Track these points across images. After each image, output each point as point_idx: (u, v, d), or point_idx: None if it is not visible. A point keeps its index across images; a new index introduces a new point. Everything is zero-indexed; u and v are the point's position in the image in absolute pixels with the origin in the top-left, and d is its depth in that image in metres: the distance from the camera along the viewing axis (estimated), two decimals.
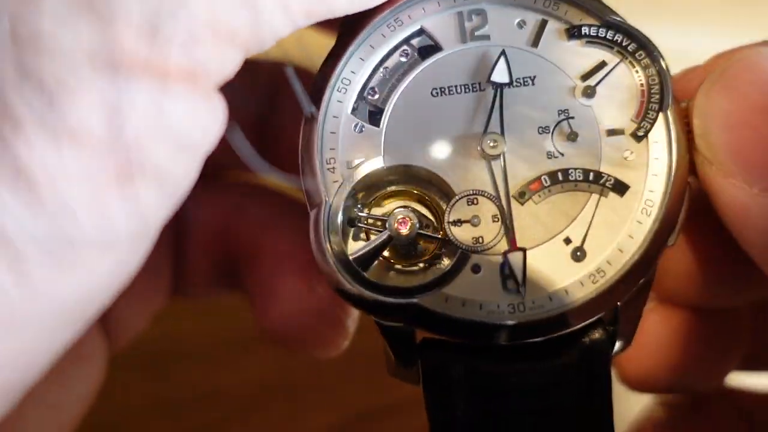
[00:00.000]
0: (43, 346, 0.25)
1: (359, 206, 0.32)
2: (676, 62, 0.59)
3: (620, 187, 0.32)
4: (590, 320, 0.31)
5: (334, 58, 0.33)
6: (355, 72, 0.33)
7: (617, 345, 0.33)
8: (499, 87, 0.32)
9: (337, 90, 0.33)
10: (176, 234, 0.41)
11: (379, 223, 0.32)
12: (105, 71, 0.23)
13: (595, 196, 0.32)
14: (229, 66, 0.26)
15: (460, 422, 0.32)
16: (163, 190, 0.25)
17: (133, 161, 0.24)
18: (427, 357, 0.32)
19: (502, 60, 0.32)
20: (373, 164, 0.32)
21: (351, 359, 0.41)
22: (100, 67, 0.23)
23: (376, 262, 0.31)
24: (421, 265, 0.32)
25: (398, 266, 0.32)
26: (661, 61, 0.32)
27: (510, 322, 0.31)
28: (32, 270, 0.23)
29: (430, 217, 0.32)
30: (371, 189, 0.32)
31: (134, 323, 0.44)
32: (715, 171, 0.31)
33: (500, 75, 0.32)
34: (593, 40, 0.33)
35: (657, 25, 0.62)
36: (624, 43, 0.33)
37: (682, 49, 0.61)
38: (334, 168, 0.32)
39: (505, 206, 0.32)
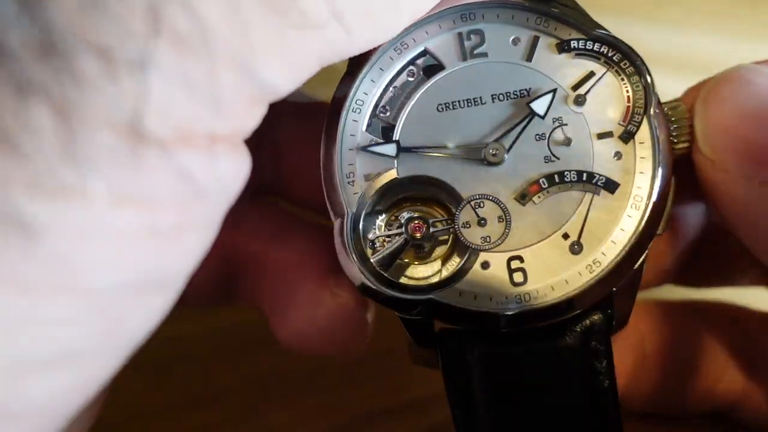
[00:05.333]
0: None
1: (378, 215, 0.36)
2: (678, 63, 0.60)
3: (611, 186, 0.35)
4: (589, 305, 0.35)
5: (347, 81, 0.36)
6: (367, 93, 0.36)
7: (614, 324, 0.36)
8: (531, 115, 0.36)
9: (352, 111, 0.36)
10: None
11: (395, 231, 0.36)
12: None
13: (588, 195, 0.36)
14: (256, 122, 0.29)
15: (478, 401, 0.35)
16: (200, 240, 0.28)
17: (189, 219, 0.27)
18: (445, 344, 0.36)
19: (549, 96, 0.36)
20: (388, 176, 0.36)
21: (351, 362, 0.43)
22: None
23: (395, 263, 0.35)
24: (436, 263, 0.36)
25: (415, 264, 0.36)
26: (644, 68, 0.36)
27: (518, 311, 0.35)
28: None
29: (442, 218, 0.36)
30: (388, 197, 0.36)
31: None
32: (717, 169, 0.34)
33: (540, 107, 0.36)
34: (581, 53, 0.36)
35: (657, 25, 0.62)
36: (609, 54, 0.36)
37: (684, 50, 0.61)
38: (353, 181, 0.36)
39: (508, 207, 0.35)
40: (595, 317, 0.36)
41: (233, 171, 0.28)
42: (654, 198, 0.35)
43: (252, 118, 0.28)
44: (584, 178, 0.36)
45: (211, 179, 0.27)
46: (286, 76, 0.28)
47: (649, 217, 0.35)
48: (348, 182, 0.36)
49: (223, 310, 0.48)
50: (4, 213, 0.24)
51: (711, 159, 0.35)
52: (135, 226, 0.25)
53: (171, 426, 0.51)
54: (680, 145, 0.36)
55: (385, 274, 0.35)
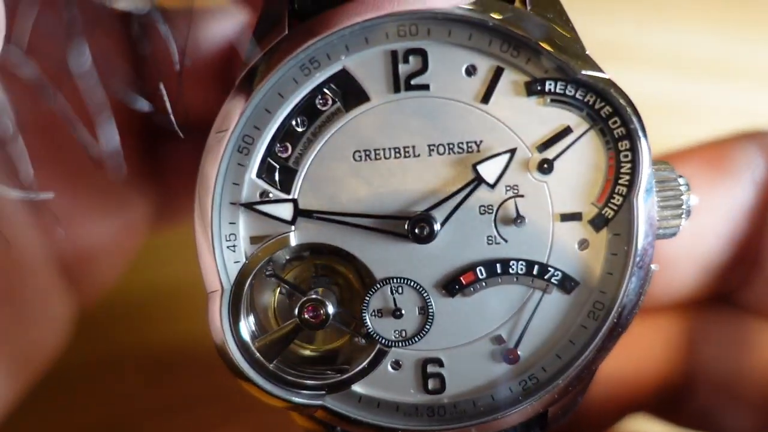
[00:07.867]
0: None
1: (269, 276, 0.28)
2: (667, 63, 0.56)
3: (568, 284, 0.27)
4: (517, 425, 0.28)
5: (234, 107, 0.26)
6: (260, 127, 0.27)
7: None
8: (477, 180, 0.27)
9: (238, 150, 0.27)
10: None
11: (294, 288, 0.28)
12: None
13: (537, 293, 0.27)
14: None
15: None
16: None
17: None
18: None
19: (504, 158, 0.27)
20: (281, 242, 0.27)
21: None
22: None
23: (284, 350, 0.28)
24: (334, 355, 0.29)
25: (308, 352, 0.29)
26: (639, 132, 0.26)
27: (428, 428, 0.28)
28: None
29: (354, 290, 0.28)
30: (279, 269, 0.28)
31: (108, 268, 0.41)
32: None
33: (490, 171, 0.27)
34: (558, 99, 0.26)
35: (650, 25, 0.58)
36: (596, 107, 0.26)
37: (674, 49, 0.57)
38: (234, 246, 0.27)
39: (432, 298, 0.27)
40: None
41: None
42: (620, 309, 0.27)
43: None
44: (534, 272, 0.27)
45: None
46: None
47: (608, 331, 0.27)
48: (228, 246, 0.27)
49: None
50: None
51: None
52: None
53: (170, 426, 0.51)
54: (670, 225, 0.27)
55: (269, 366, 0.28)
